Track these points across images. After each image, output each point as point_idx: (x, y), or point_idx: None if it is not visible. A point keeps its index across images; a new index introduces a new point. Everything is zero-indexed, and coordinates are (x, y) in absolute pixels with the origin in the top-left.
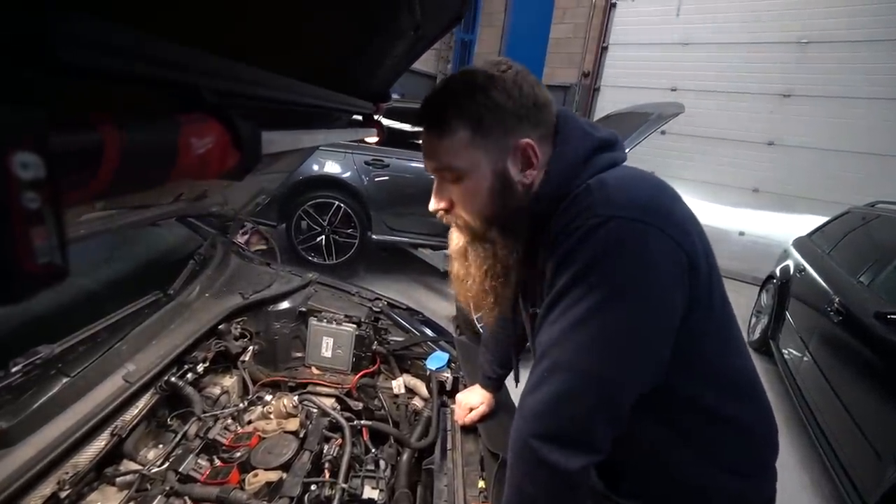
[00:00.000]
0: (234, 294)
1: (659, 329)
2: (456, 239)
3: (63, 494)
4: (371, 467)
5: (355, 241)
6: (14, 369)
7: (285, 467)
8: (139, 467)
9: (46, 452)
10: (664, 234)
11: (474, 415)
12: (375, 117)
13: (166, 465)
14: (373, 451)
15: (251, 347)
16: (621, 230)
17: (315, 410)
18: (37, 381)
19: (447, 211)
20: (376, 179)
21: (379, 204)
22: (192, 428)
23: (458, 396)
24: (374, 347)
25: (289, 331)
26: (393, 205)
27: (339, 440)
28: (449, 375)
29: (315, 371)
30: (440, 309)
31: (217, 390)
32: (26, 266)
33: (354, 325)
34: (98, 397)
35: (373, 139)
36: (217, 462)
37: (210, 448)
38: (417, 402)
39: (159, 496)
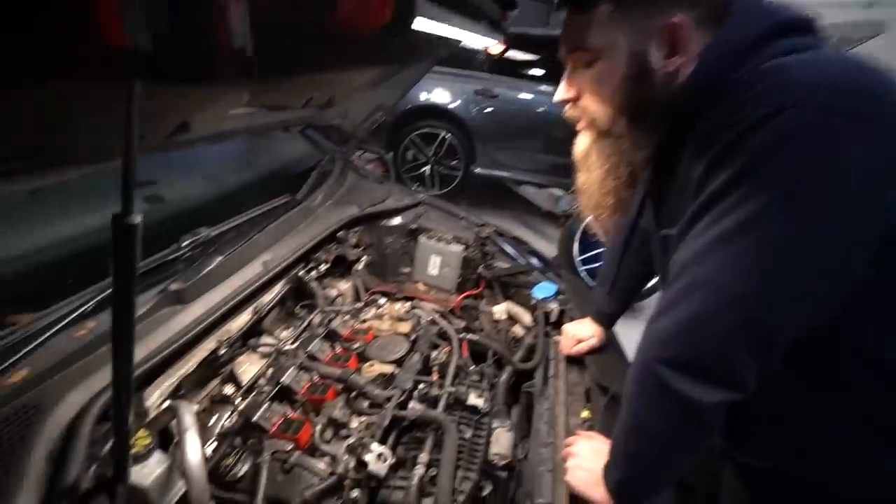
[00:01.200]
0: (352, 205)
1: (834, 251)
2: (581, 143)
3: (221, 352)
4: (476, 378)
5: (458, 174)
6: (184, 244)
7: (398, 363)
8: (275, 342)
9: (210, 313)
10: (862, 131)
11: (583, 346)
12: (502, 24)
13: (296, 344)
14: (473, 365)
15: (365, 257)
16: (801, 122)
17: (424, 319)
18: (200, 256)
19: (574, 102)
20: (484, 110)
21: (485, 136)
22: (316, 318)
23: (566, 327)
24: (479, 271)
25: (399, 246)
26: (499, 137)
27: (448, 348)
28: (556, 307)
29: (421, 287)
30: (540, 250)
31: (334, 292)
32: (224, 45)
33: (462, 247)
34: (244, 276)
35: (497, 49)
36: (338, 349)
37: (331, 337)
38: (518, 330)
39: (292, 367)
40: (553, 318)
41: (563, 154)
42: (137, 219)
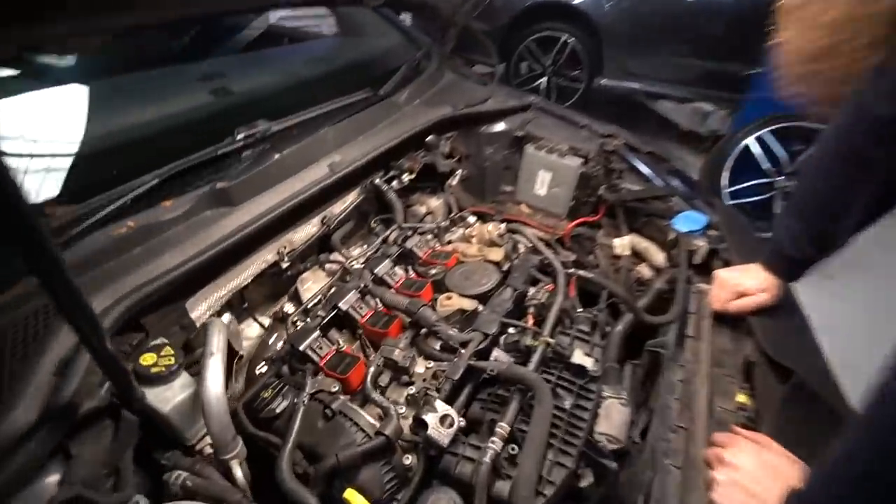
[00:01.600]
0: (445, 105)
1: None
2: None
3: (284, 265)
4: (584, 328)
5: (580, 86)
6: (238, 137)
7: (482, 299)
8: (342, 260)
9: (260, 218)
10: None
11: (747, 302)
12: None
13: (364, 264)
14: (582, 310)
15: (459, 171)
16: None
17: (524, 245)
18: (255, 151)
19: None
20: (620, 5)
21: (616, 38)
22: (392, 234)
23: (721, 273)
24: (600, 193)
25: (501, 158)
26: (634, 40)
27: (550, 286)
28: (703, 244)
29: (525, 209)
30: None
31: (422, 209)
32: None
33: (580, 161)
34: (306, 178)
35: None
36: (412, 273)
37: (406, 258)
38: (645, 271)
39: (354, 290)
40: (699, 258)
41: (718, 58)
42: None
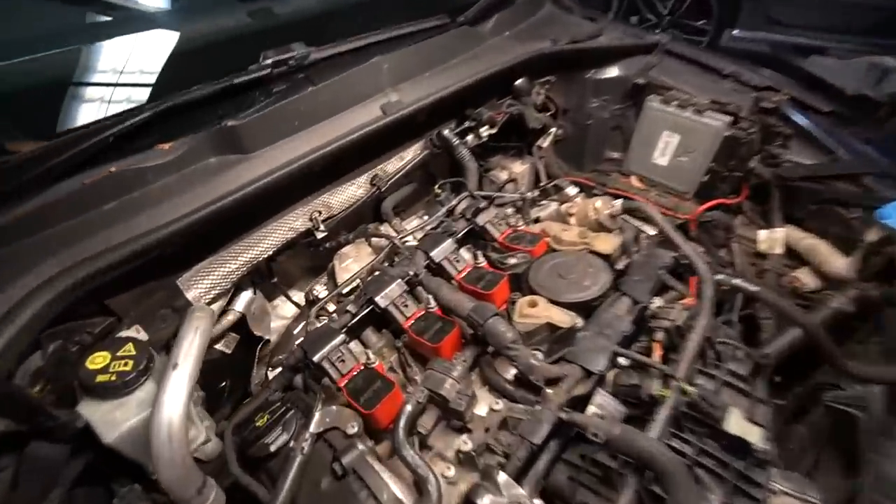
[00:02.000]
0: (543, 40)
1: None
2: None
3: (319, 235)
4: (739, 370)
5: (703, 40)
6: (265, 62)
7: (583, 310)
8: (392, 233)
9: (288, 166)
10: None
11: None
12: None
13: (420, 242)
14: (730, 341)
15: (553, 130)
16: None
17: (647, 233)
18: (285, 84)
19: None
20: None
21: None
22: (460, 204)
23: None
24: (751, 165)
25: (609, 115)
26: None
27: (689, 299)
28: None
29: (636, 182)
30: None
31: (503, 175)
32: None
33: (726, 120)
34: (350, 122)
35: None
36: (482, 261)
37: (476, 238)
38: (805, 279)
39: (399, 280)
40: None
41: None
42: None
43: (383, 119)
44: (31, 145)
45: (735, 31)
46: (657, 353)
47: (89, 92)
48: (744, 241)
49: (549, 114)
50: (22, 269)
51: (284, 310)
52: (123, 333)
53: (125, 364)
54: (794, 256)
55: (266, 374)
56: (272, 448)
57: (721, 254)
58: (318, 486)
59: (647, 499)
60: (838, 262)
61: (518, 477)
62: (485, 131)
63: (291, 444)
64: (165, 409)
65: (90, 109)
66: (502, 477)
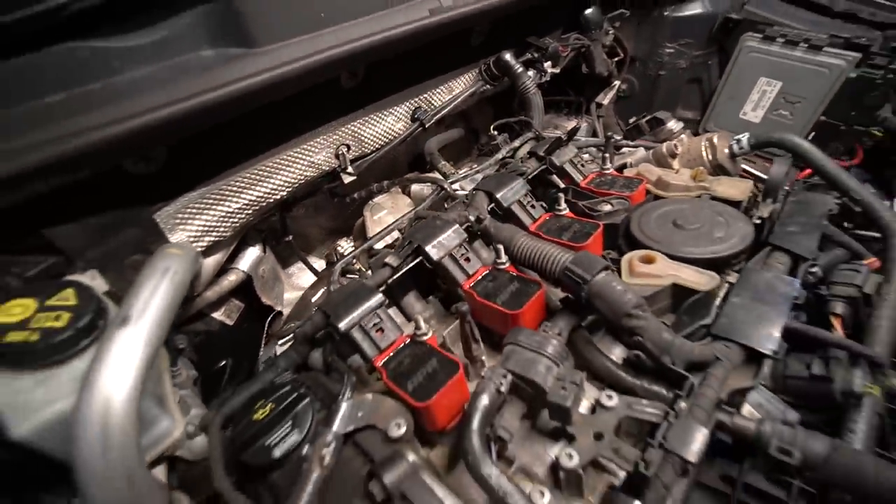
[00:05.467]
0: None
1: None
2: None
3: (347, 178)
4: None
5: None
6: None
7: (718, 268)
8: (440, 177)
9: (307, 70)
10: None
11: None
12: None
13: (478, 184)
14: None
15: (617, 83)
16: None
17: (793, 174)
18: None
19: None
20: None
21: None
22: (525, 147)
23: None
24: (879, 115)
25: (687, 63)
26: None
27: (873, 259)
28: None
29: (715, 140)
30: None
31: (557, 134)
32: None
33: (851, 58)
34: (390, 22)
35: None
36: (563, 208)
37: (549, 185)
38: None
39: (455, 226)
40: None
41: None
42: None
43: (429, 19)
44: None
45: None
46: (838, 330)
47: None
48: None
49: (615, 60)
50: None
51: (301, 279)
52: (72, 278)
53: (56, 318)
54: None
55: (275, 351)
56: (276, 454)
57: None
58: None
59: None
60: None
61: None
62: (548, 66)
63: (305, 449)
64: (99, 386)
65: None
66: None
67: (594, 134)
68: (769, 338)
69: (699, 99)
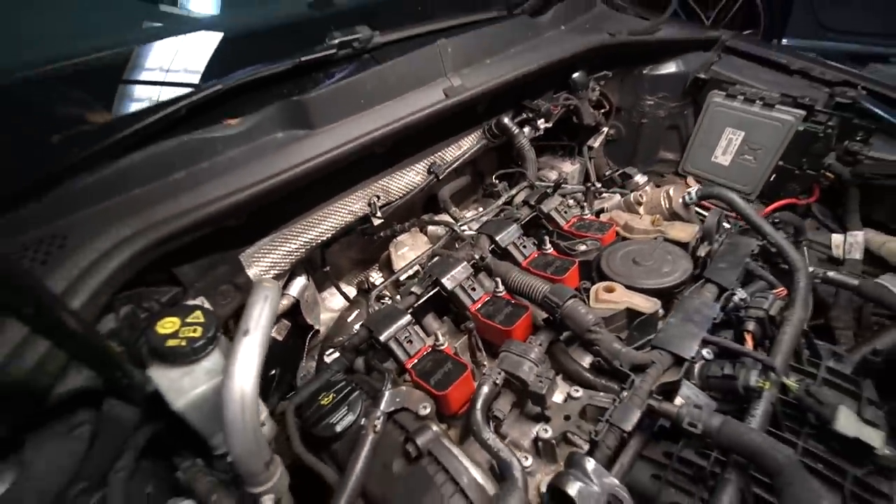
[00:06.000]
0: (600, 32)
1: None
2: None
3: (376, 221)
4: (839, 367)
5: None
6: (331, 41)
7: (663, 296)
8: (451, 221)
9: (351, 142)
10: None
11: None
12: None
13: (478, 225)
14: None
15: (605, 129)
16: None
17: (728, 223)
18: (350, 65)
19: None
20: None
21: None
22: (520, 194)
23: None
24: (827, 163)
25: (665, 113)
26: None
27: (781, 289)
28: None
29: (693, 184)
30: None
31: (553, 175)
32: None
33: (797, 115)
34: (412, 104)
35: None
36: (548, 247)
37: (539, 226)
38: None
39: (464, 262)
40: None
41: None
42: None
43: (448, 101)
44: (109, 116)
45: (784, 41)
46: (749, 345)
47: (159, 75)
48: (814, 246)
49: (602, 111)
50: (94, 232)
51: (333, 302)
52: (192, 303)
53: (194, 331)
54: (875, 261)
55: (321, 359)
56: (338, 428)
57: None
58: (389, 469)
59: (749, 501)
60: None
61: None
62: (542, 123)
63: (362, 422)
64: (237, 377)
65: (163, 88)
66: (591, 464)
67: (587, 174)
68: (690, 347)
69: (678, 143)
